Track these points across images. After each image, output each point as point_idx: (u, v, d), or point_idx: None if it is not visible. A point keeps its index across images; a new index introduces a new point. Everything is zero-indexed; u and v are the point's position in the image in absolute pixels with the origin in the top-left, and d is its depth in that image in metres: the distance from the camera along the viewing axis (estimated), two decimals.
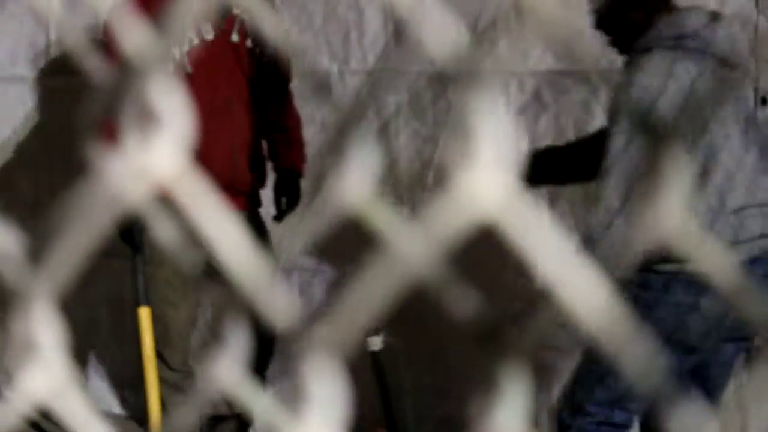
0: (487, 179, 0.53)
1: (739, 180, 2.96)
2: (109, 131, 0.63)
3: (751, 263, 2.92)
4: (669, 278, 2.93)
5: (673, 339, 2.93)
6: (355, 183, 0.60)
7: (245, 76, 3.90)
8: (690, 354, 3.01)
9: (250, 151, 3.92)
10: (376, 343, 3.34)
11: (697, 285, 2.72)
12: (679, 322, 2.97)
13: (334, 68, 4.46)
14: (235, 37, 3.90)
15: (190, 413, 0.70)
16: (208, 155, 3.18)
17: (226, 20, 3.88)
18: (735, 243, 2.92)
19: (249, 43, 3.93)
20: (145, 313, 3.73)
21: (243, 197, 3.88)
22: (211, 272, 0.71)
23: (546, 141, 3.76)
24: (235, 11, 3.89)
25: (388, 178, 4.04)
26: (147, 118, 0.59)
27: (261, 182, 4.00)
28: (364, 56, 4.40)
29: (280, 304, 0.60)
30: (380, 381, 3.42)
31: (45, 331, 0.66)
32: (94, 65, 0.69)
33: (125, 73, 0.59)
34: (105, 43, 3.68)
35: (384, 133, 4.08)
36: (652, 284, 2.97)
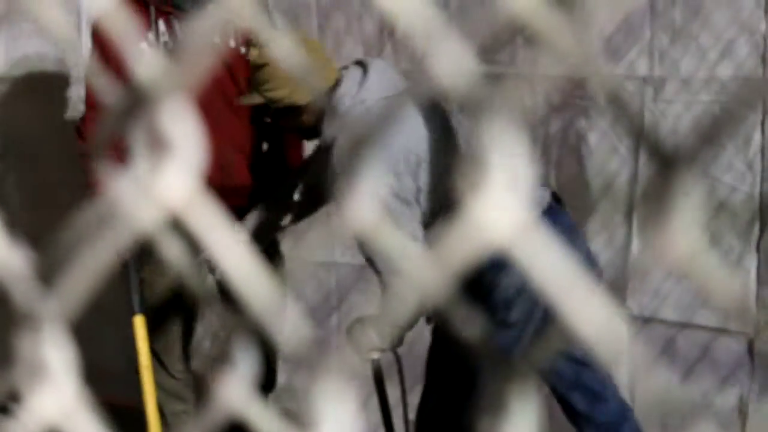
0: (500, 205, 0.53)
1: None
2: (119, 154, 0.63)
3: None
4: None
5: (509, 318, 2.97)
6: (366, 204, 0.60)
7: (240, 82, 3.87)
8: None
9: (246, 155, 3.91)
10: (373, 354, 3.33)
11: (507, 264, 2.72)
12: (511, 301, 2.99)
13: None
14: (231, 44, 3.89)
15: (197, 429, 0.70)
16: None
17: (238, 32, 3.84)
18: None
19: (244, 49, 3.91)
20: (139, 322, 3.71)
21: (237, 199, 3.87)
22: (221, 293, 0.71)
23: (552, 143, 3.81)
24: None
25: None
26: (159, 143, 0.59)
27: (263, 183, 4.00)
28: (396, 54, 4.41)
29: (290, 327, 0.60)
30: (379, 389, 3.42)
31: (56, 352, 0.66)
32: (103, 86, 0.69)
33: (137, 97, 0.59)
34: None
35: None
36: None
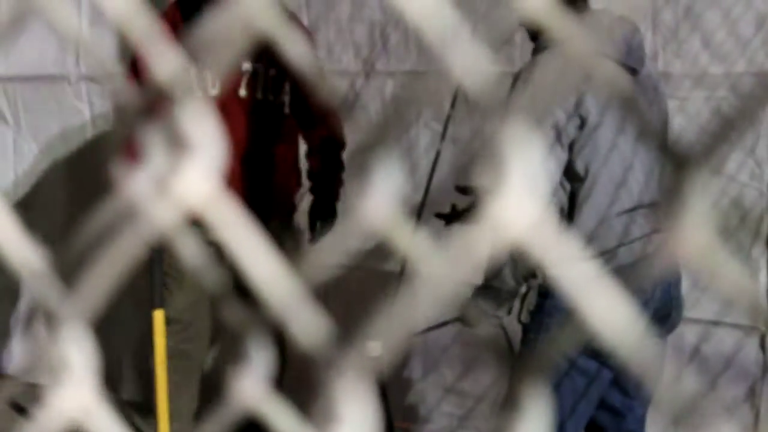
0: (517, 205, 0.53)
1: (627, 184, 2.99)
2: (136, 153, 0.64)
3: (632, 266, 2.92)
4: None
5: (585, 346, 2.91)
6: (381, 204, 0.60)
7: (251, 129, 3.94)
8: (605, 361, 2.97)
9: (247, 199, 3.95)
10: (375, 348, 3.33)
11: None
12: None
13: (358, 68, 4.48)
14: (243, 92, 3.95)
15: (216, 428, 0.71)
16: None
17: (234, 74, 3.94)
18: (618, 247, 2.93)
19: (259, 94, 3.98)
20: (159, 316, 3.74)
21: None
22: (239, 292, 0.71)
23: None
24: (245, 66, 3.95)
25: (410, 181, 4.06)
26: (178, 142, 0.60)
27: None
28: (389, 58, 4.42)
29: (311, 325, 0.60)
30: (380, 387, 3.42)
31: (76, 350, 0.67)
32: (121, 86, 0.69)
33: (156, 96, 0.59)
34: (133, 66, 3.74)
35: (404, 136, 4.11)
36: (554, 292, 2.97)
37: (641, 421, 3.22)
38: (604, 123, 2.94)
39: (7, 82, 5.43)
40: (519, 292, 2.97)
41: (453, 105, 3.59)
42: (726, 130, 0.60)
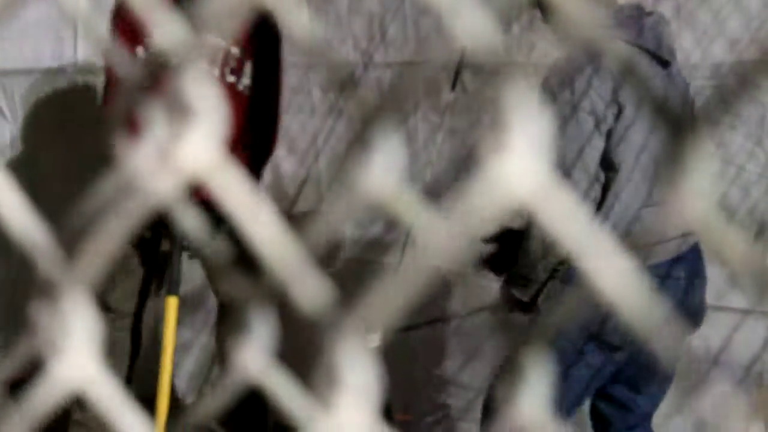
0: (520, 167, 0.53)
1: (637, 177, 2.96)
2: (136, 123, 0.63)
3: (665, 265, 2.90)
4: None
5: (594, 335, 2.89)
6: (381, 176, 0.60)
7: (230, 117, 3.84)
8: (614, 352, 2.95)
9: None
10: (373, 339, 3.32)
11: None
12: (597, 317, 2.84)
13: (357, 59, 4.49)
14: (231, 78, 3.74)
15: (216, 402, 0.71)
16: None
17: (221, 58, 3.71)
18: (652, 244, 2.89)
19: (242, 84, 3.76)
20: (172, 303, 3.70)
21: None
22: (238, 261, 0.71)
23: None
24: (231, 48, 3.71)
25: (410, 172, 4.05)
26: (179, 109, 0.60)
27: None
28: (387, 49, 4.44)
29: (314, 291, 0.60)
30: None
31: (78, 320, 0.67)
32: (120, 59, 0.69)
33: (156, 65, 0.59)
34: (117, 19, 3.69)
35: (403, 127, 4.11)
36: (573, 278, 2.93)
37: (647, 418, 3.21)
38: (640, 114, 2.92)
39: (4, 76, 5.43)
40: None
41: (453, 87, 3.58)
42: (727, 99, 0.60)
